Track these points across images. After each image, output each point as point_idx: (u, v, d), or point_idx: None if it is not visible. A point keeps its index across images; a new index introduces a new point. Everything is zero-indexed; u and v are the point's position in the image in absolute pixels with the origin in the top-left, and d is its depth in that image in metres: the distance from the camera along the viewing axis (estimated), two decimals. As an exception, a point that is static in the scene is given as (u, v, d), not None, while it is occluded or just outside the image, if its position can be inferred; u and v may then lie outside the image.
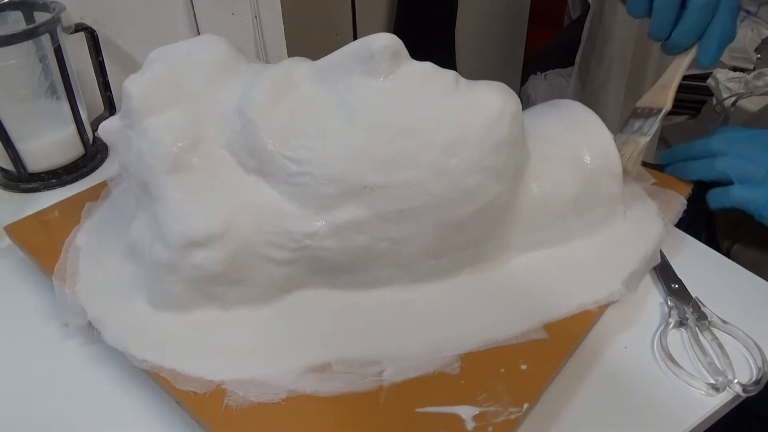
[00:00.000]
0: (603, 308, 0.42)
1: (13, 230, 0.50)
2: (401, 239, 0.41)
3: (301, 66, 0.43)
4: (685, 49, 0.49)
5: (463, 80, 0.41)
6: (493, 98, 0.40)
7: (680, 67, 0.50)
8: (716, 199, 0.50)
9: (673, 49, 0.49)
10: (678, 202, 0.50)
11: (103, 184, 0.55)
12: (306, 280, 0.43)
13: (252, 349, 0.40)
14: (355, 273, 0.42)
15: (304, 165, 0.39)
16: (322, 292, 0.43)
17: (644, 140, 0.49)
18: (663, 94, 0.51)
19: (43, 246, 0.49)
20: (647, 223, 0.49)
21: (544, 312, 0.41)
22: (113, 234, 0.48)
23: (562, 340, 0.40)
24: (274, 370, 0.38)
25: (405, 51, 0.40)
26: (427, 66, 0.41)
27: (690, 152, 0.53)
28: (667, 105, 0.50)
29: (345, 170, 0.39)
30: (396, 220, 0.40)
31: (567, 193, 0.45)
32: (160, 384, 0.38)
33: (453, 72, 0.41)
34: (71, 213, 0.51)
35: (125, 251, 0.46)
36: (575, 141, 0.47)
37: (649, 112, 0.51)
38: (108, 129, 0.45)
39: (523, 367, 0.38)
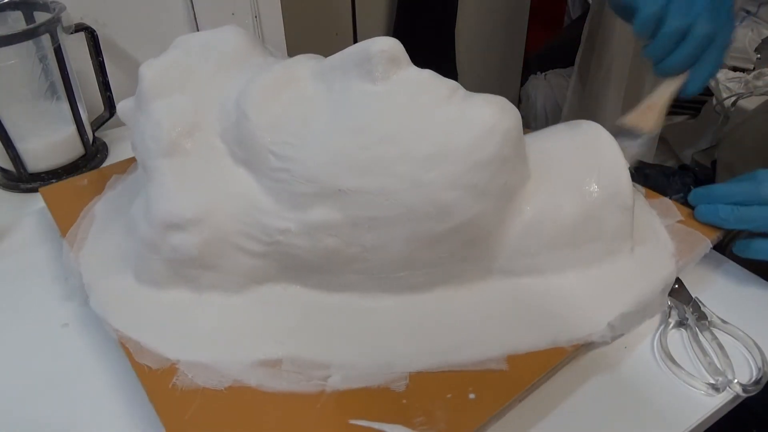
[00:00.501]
0: (577, 348, 0.39)
1: (45, 193, 0.54)
2: (372, 247, 0.39)
3: (306, 64, 0.43)
4: (675, 74, 0.50)
5: (461, 91, 0.40)
6: (485, 113, 0.38)
7: (669, 91, 0.51)
8: (764, 250, 0.45)
9: (665, 72, 0.51)
10: (701, 245, 0.46)
11: (132, 159, 0.57)
12: (278, 274, 0.43)
13: (213, 334, 0.40)
14: (326, 274, 0.42)
15: (286, 161, 0.39)
16: (294, 288, 0.43)
17: (631, 162, 0.47)
18: (650, 115, 0.51)
19: (65, 210, 0.51)
20: (657, 263, 0.44)
21: (511, 342, 0.39)
22: (125, 207, 0.49)
23: (521, 375, 0.37)
24: (226, 357, 0.38)
25: (405, 57, 0.39)
26: (425, 74, 0.39)
27: (734, 196, 0.47)
28: (653, 130, 0.50)
29: (321, 171, 0.38)
30: (368, 227, 0.39)
31: (564, 222, 0.42)
32: (125, 354, 0.38)
33: (452, 82, 0.40)
34: (99, 183, 0.55)
35: (128, 225, 0.47)
36: (584, 166, 0.43)
37: (636, 133, 0.50)
38: (123, 108, 0.47)
39: (472, 396, 0.36)
